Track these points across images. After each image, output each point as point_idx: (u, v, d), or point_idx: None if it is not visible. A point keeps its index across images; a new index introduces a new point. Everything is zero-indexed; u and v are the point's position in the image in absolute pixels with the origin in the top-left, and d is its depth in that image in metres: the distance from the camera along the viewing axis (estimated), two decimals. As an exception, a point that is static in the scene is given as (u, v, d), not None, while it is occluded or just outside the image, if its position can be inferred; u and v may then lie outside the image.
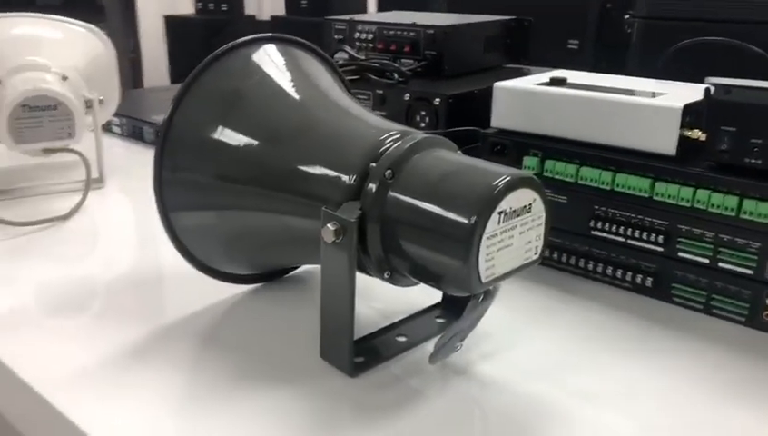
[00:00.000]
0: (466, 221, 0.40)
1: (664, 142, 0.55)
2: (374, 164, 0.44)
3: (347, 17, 0.91)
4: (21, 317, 0.54)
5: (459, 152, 0.47)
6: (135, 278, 0.61)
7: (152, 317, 0.54)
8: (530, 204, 0.42)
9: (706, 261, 0.54)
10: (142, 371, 0.47)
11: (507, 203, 0.41)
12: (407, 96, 0.77)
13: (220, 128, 0.50)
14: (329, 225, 0.43)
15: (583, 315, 0.56)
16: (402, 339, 0.51)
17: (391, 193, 0.43)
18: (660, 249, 0.56)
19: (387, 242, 0.44)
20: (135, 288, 0.59)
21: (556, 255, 0.62)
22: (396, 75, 0.80)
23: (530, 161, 0.61)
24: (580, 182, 0.59)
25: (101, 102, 0.82)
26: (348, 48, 0.87)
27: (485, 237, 0.40)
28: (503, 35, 0.93)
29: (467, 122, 0.74)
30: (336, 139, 0.47)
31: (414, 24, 0.85)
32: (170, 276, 0.61)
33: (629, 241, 0.58)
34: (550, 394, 0.45)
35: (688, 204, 0.54)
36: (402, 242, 0.43)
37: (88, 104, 0.80)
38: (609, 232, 0.58)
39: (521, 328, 0.54)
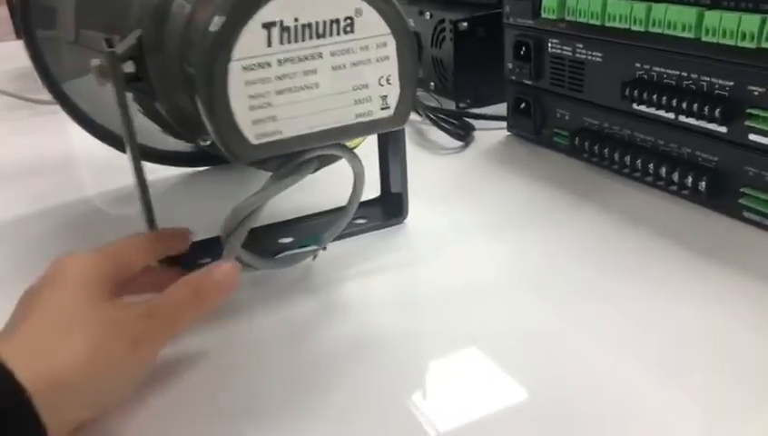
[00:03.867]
0: (202, 31, 0.24)
1: (730, -60, 0.32)
2: (165, -27, 0.30)
3: None
4: None
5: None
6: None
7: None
8: (350, 19, 0.25)
9: (793, 148, 0.31)
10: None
11: (285, 10, 0.24)
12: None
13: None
14: (92, 61, 0.30)
15: (584, 226, 0.36)
16: (286, 240, 0.37)
17: (171, 11, 0.29)
18: (721, 129, 0.34)
19: (170, 84, 0.29)
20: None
21: (587, 144, 0.42)
22: None
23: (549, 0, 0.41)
24: (608, 24, 0.38)
25: None
26: None
27: (237, 66, 0.24)
28: None
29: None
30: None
31: None
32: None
33: (680, 117, 0.36)
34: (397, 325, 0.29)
35: (753, 45, 0.31)
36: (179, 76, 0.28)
37: None
38: (652, 103, 0.37)
39: (486, 233, 0.36)
